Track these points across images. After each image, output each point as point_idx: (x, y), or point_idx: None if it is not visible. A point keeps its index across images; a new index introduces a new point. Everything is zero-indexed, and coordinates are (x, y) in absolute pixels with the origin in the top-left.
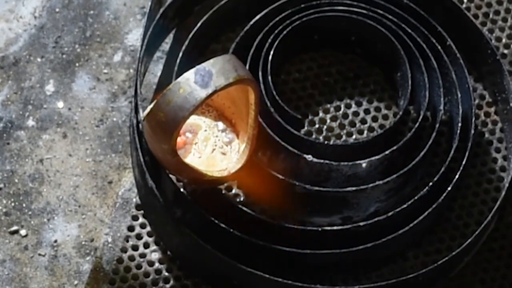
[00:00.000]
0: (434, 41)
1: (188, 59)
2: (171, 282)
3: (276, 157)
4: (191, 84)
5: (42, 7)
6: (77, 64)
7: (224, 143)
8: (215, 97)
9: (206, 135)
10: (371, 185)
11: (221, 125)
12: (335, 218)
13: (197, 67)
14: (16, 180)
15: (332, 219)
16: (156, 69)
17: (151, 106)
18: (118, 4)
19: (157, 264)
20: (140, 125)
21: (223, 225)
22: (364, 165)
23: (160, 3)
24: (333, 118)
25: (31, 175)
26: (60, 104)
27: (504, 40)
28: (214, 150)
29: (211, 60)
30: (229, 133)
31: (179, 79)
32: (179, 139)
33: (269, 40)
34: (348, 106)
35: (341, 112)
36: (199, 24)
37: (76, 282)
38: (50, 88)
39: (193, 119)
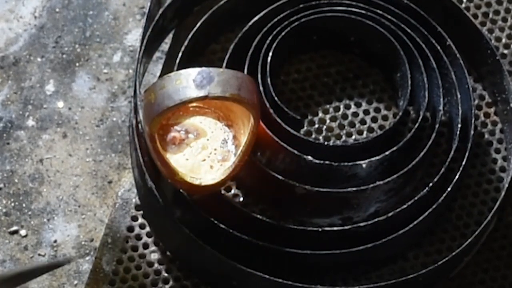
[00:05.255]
0: (433, 41)
1: (187, 59)
2: (171, 282)
3: (276, 158)
4: (189, 80)
5: (42, 7)
6: (77, 64)
7: (217, 160)
8: (230, 107)
9: (205, 143)
10: (371, 185)
11: (223, 140)
12: (335, 219)
13: (204, 68)
14: (16, 180)
15: (332, 220)
16: (155, 69)
17: (151, 85)
18: (117, 5)
19: (156, 265)
20: (139, 125)
21: (222, 226)
22: (364, 165)
23: (160, 3)
24: (333, 119)
25: (31, 175)
26: (60, 104)
27: (503, 40)
28: (204, 161)
29: (221, 69)
30: (227, 152)
31: (182, 71)
32: (177, 135)
33: (268, 41)
34: (347, 107)
35: (340, 112)
36: (198, 25)
37: (76, 282)
38: (50, 88)
39: (203, 125)
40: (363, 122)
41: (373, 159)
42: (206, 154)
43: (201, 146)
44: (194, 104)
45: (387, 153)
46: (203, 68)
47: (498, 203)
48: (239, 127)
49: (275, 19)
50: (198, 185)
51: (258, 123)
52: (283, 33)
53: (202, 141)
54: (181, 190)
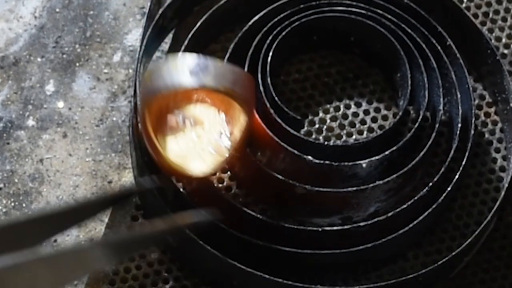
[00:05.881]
0: (434, 41)
1: None
2: (171, 282)
3: (276, 158)
4: (184, 67)
5: (42, 7)
6: (77, 64)
7: (209, 151)
8: (231, 102)
9: (201, 133)
10: (371, 185)
11: (218, 133)
12: (335, 219)
13: (201, 58)
14: (16, 180)
15: (332, 220)
16: None
17: (152, 65)
18: (117, 5)
19: (156, 265)
20: (139, 125)
21: (222, 225)
22: (364, 165)
23: (160, 3)
24: (333, 119)
25: (31, 175)
26: (60, 104)
27: (504, 40)
28: (196, 150)
29: (220, 63)
30: (220, 145)
31: (181, 57)
32: (174, 121)
33: (268, 41)
34: (347, 107)
35: (340, 112)
36: (198, 25)
37: (76, 282)
38: (50, 88)
39: (203, 115)
40: (363, 122)
41: (373, 158)
42: (199, 144)
43: (196, 135)
44: (198, 93)
45: (387, 152)
46: (201, 58)
47: (498, 203)
48: (236, 123)
49: (275, 19)
50: (183, 172)
51: (252, 120)
52: (283, 33)
53: (198, 130)
54: (181, 191)
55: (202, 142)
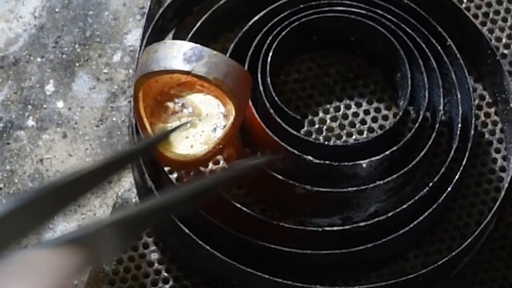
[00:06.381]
0: (434, 41)
1: None
2: (171, 282)
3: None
4: (180, 51)
5: (42, 7)
6: (77, 64)
7: (200, 141)
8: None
9: (196, 123)
10: (371, 185)
11: (213, 125)
12: (335, 219)
13: (198, 45)
14: (16, 180)
15: (332, 220)
16: None
17: (150, 46)
18: (117, 5)
19: (156, 265)
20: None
21: (222, 225)
22: (364, 165)
23: (160, 3)
24: (333, 119)
25: (31, 175)
26: (60, 104)
27: (504, 40)
28: (187, 138)
29: (216, 52)
30: (212, 137)
31: (178, 41)
32: (172, 106)
33: (268, 41)
34: (348, 107)
35: (341, 112)
36: (198, 25)
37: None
38: (50, 88)
39: (202, 105)
40: (363, 122)
41: (373, 158)
42: (192, 132)
43: (190, 124)
44: (190, 80)
45: (387, 152)
46: (198, 45)
47: (498, 203)
48: (230, 118)
49: (275, 19)
50: (168, 157)
51: (241, 117)
52: (283, 33)
53: (194, 120)
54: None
55: (195, 131)
